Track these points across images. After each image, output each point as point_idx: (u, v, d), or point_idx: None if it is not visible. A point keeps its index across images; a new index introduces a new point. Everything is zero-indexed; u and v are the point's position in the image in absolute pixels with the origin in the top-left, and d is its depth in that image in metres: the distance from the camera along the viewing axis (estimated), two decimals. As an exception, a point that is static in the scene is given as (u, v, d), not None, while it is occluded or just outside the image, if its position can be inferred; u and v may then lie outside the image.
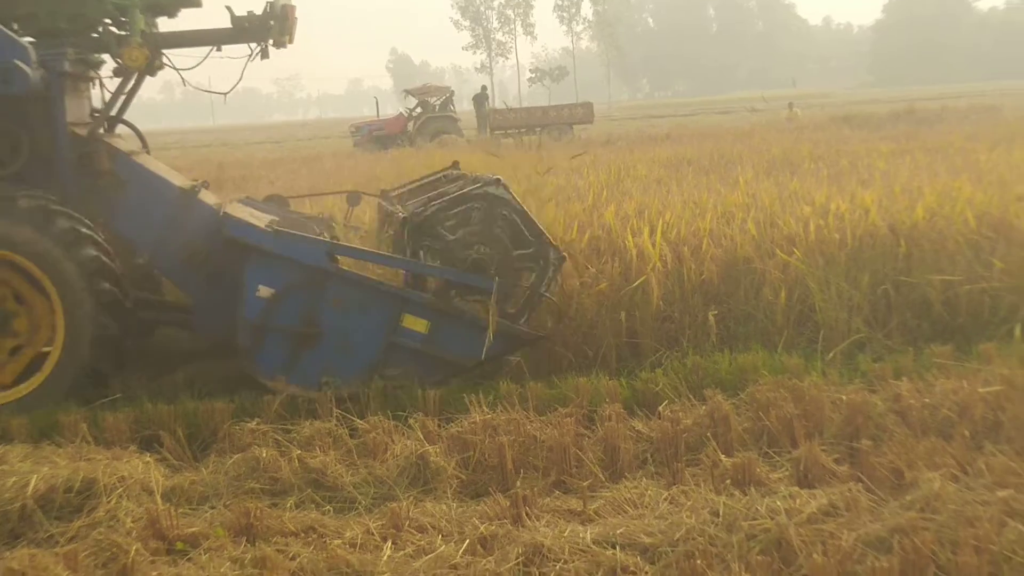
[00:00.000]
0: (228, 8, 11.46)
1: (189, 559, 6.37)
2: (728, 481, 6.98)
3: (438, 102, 55.33)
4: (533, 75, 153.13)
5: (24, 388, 9.80)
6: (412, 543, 6.40)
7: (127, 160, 10.97)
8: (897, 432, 7.57)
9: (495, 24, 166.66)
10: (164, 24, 11.73)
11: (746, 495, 6.61)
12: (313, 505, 7.26)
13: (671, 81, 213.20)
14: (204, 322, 11.00)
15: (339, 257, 9.87)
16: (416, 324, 9.63)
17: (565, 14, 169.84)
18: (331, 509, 7.22)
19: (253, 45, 11.47)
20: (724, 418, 7.97)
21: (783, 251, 11.10)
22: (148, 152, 11.79)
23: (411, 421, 8.50)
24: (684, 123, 50.95)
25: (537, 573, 5.83)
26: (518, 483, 7.27)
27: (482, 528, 6.46)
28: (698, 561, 5.61)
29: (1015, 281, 10.40)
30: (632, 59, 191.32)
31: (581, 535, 6.19)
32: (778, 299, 10.62)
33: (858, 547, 5.77)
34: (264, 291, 9.58)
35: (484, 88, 62.52)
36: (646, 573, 5.76)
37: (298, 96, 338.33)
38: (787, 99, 53.46)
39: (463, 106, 79.55)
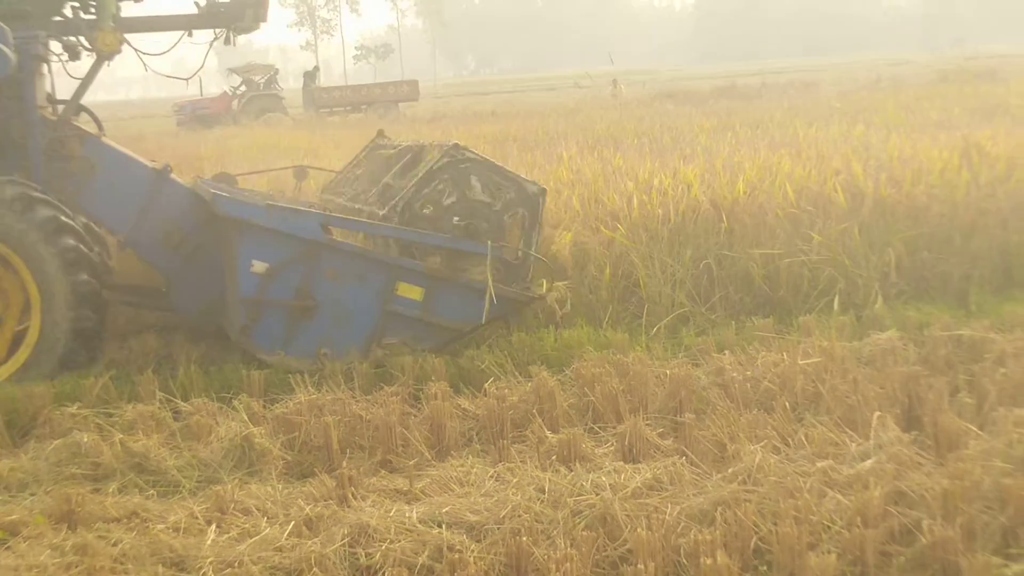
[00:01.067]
0: None
1: (8, 547, 6.19)
2: (554, 457, 7.02)
3: (262, 80, 54.86)
4: (358, 53, 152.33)
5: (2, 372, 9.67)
6: (237, 526, 6.30)
7: (97, 143, 11.04)
8: (720, 405, 7.70)
9: (320, 1, 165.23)
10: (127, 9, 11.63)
11: (572, 471, 6.66)
12: (136, 490, 7.09)
13: (497, 58, 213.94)
14: (183, 301, 11.08)
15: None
16: (411, 292, 9.74)
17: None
18: (155, 493, 7.06)
19: (220, 30, 11.69)
20: (550, 394, 8.01)
21: (607, 227, 11.21)
22: (104, 134, 11.57)
23: (235, 403, 8.37)
24: (510, 100, 51.21)
25: (363, 554, 5.79)
26: (344, 463, 7.19)
27: (307, 509, 6.40)
28: (524, 538, 5.64)
29: (833, 254, 10.68)
30: (457, 36, 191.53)
31: (407, 514, 6.16)
32: (602, 275, 10.74)
33: (682, 520, 5.85)
34: (259, 266, 9.57)
35: (316, 67, 62.12)
36: (472, 551, 5.76)
37: (120, 75, 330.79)
38: (611, 76, 54.01)
39: (290, 84, 78.82)
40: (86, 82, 11.24)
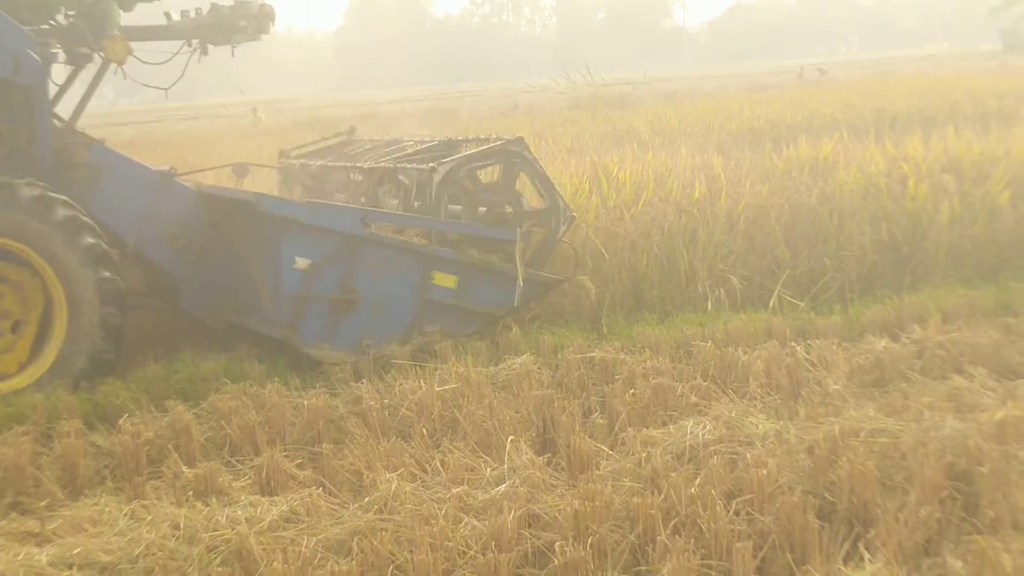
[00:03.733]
0: (213, 2, 11.71)
1: None
2: (191, 493, 6.93)
3: None
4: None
5: (28, 376, 9.61)
6: None
7: (103, 149, 11.06)
8: (358, 434, 7.75)
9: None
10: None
11: (208, 506, 6.59)
12: None
13: (135, 89, 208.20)
14: (195, 301, 11.14)
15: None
16: (446, 280, 10.23)
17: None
18: None
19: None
20: (186, 428, 7.91)
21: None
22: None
23: None
24: (150, 129, 49.97)
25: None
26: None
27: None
28: (157, 577, 5.57)
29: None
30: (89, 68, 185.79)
31: (37, 557, 5.95)
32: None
33: (319, 551, 5.87)
34: (301, 263, 9.85)
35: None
36: (102, 593, 5.65)
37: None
38: (250, 105, 53.51)
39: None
40: (90, 89, 11.32)
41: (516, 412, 7.93)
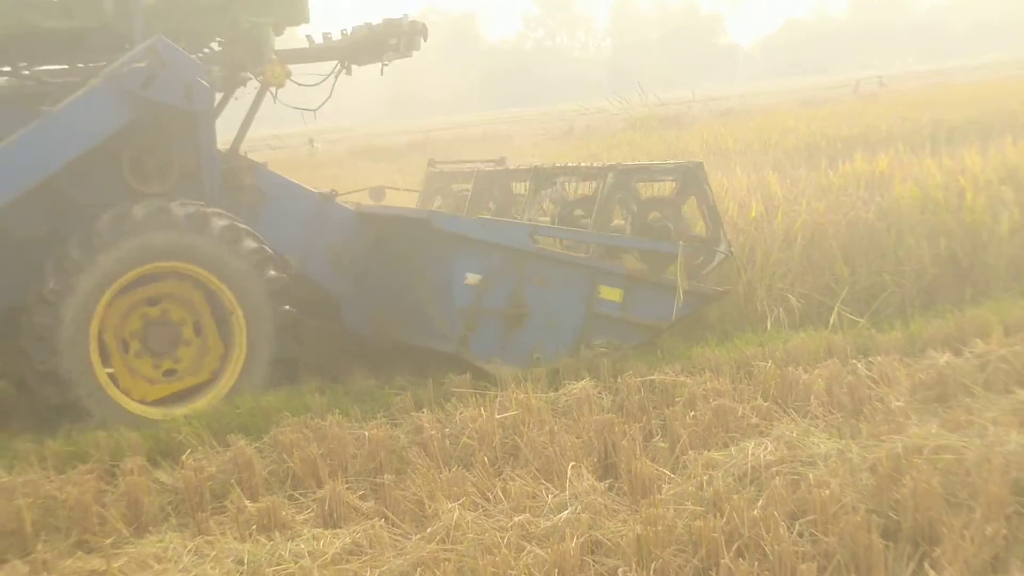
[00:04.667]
0: (365, 22, 12.11)
1: None
2: (254, 527, 6.93)
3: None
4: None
5: (222, 388, 10.13)
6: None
7: (265, 172, 11.48)
8: (420, 464, 7.76)
9: None
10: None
11: (271, 540, 6.61)
12: None
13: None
14: (354, 319, 11.43)
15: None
16: (611, 294, 10.54)
17: None
18: None
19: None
20: (248, 462, 7.93)
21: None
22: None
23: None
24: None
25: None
26: (38, 547, 6.99)
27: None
28: (222, 613, 5.60)
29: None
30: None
31: (103, 596, 6.04)
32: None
33: (381, 583, 5.92)
34: (472, 278, 10.20)
35: None
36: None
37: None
38: (305, 136, 53.63)
39: None
40: (251, 114, 11.74)
41: (577, 437, 7.91)
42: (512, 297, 10.31)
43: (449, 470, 7.56)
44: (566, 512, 6.48)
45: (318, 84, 11.88)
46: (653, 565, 5.75)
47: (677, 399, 8.70)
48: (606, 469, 7.59)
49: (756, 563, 5.65)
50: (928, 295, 11.74)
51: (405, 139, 46.19)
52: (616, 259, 10.87)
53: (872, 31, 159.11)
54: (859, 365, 9.10)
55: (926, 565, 5.64)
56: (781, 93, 61.01)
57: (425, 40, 12.05)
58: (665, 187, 11.76)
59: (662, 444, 7.77)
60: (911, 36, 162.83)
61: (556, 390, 9.19)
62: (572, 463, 7.31)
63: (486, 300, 10.24)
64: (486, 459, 7.66)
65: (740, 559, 5.69)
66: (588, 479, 7.02)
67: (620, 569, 5.75)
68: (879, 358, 9.25)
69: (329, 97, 11.94)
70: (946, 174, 13.71)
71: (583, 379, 9.25)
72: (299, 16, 11.47)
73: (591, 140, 32.48)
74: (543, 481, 7.21)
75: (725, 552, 5.76)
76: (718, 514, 6.20)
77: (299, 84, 11.52)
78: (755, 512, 6.07)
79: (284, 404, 9.44)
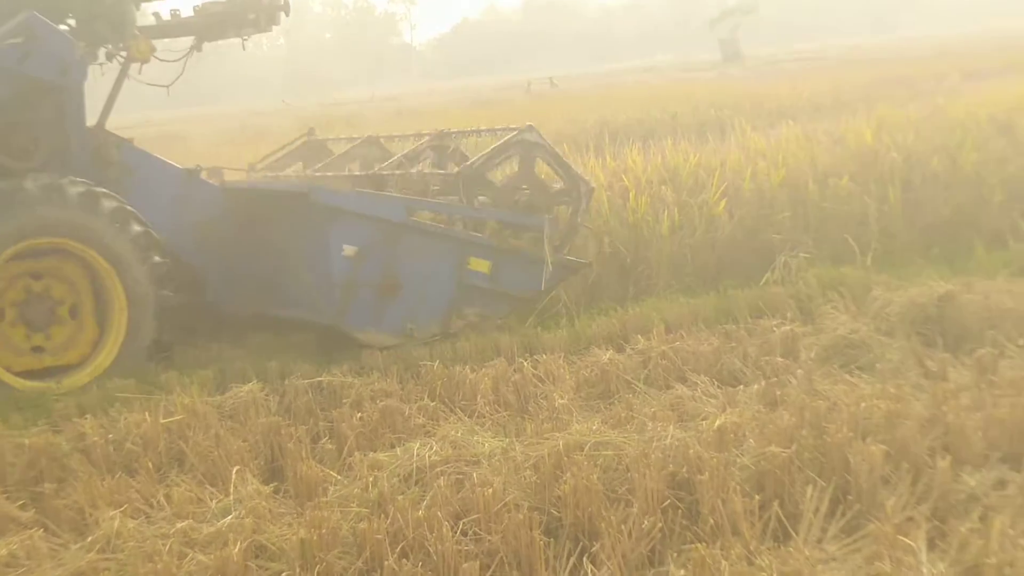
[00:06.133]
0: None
1: None
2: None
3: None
4: None
5: (96, 368, 10.14)
6: None
7: (132, 148, 11.52)
8: (82, 472, 7.52)
9: None
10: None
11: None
12: None
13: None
14: (224, 294, 11.45)
15: None
16: (480, 265, 10.87)
17: None
18: None
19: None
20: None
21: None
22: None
23: None
24: None
25: None
26: None
27: None
28: None
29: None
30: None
31: None
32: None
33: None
34: (349, 250, 10.37)
35: None
36: None
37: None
38: None
39: None
40: (115, 90, 11.74)
41: (243, 441, 7.86)
42: (387, 268, 10.56)
43: (112, 477, 7.37)
44: (230, 517, 6.40)
45: (178, 60, 12.13)
46: (317, 568, 5.74)
47: (344, 400, 8.75)
48: (272, 472, 7.57)
49: (420, 563, 5.71)
50: (593, 293, 12.07)
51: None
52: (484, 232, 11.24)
53: (543, 33, 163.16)
54: (525, 364, 9.30)
55: (585, 560, 5.79)
56: (456, 92, 61.70)
57: (287, 15, 12.49)
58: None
59: (329, 446, 7.79)
60: (582, 39, 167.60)
61: (223, 393, 9.07)
62: (237, 467, 7.23)
63: (362, 272, 10.46)
64: (151, 465, 7.51)
65: (404, 560, 5.74)
66: (253, 483, 6.96)
67: (284, 573, 5.74)
68: (545, 356, 9.48)
69: (181, 74, 12.17)
70: (610, 174, 14.14)
71: (250, 382, 9.17)
72: None
73: (263, 141, 32.08)
74: (208, 486, 7.11)
75: (389, 553, 5.81)
76: (383, 515, 6.25)
77: (160, 60, 11.80)
78: (419, 513, 6.13)
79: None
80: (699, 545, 5.63)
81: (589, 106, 31.05)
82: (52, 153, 10.71)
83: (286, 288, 11.21)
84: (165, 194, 11.33)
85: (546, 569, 5.74)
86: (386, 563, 5.68)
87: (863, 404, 7.34)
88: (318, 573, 5.71)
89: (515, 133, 11.37)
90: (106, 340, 10.24)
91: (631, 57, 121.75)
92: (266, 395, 8.94)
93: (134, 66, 11.50)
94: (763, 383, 8.31)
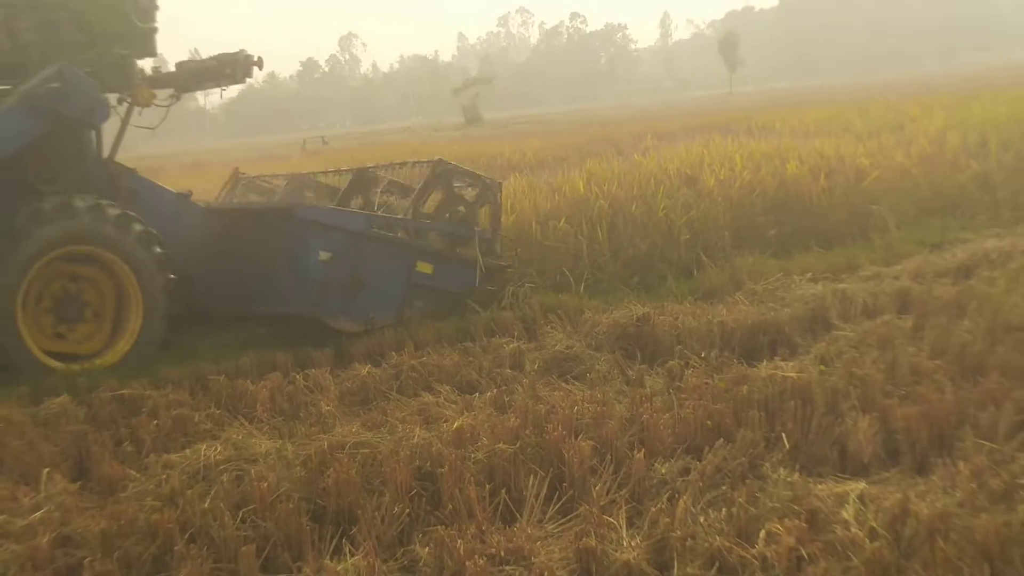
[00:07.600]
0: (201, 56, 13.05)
1: None
2: None
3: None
4: None
5: (105, 361, 10.37)
6: None
7: (136, 176, 11.85)
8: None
9: None
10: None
11: None
12: None
13: None
14: (211, 297, 11.66)
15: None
16: (425, 267, 11.60)
17: None
18: None
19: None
20: None
21: None
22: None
23: None
24: None
25: None
26: None
27: None
28: None
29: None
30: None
31: None
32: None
33: None
34: (324, 255, 10.90)
35: None
36: None
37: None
38: None
39: None
40: (123, 129, 11.94)
41: (55, 446, 7.69)
42: (353, 270, 11.04)
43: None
44: (40, 512, 6.26)
45: (170, 106, 12.35)
46: (116, 554, 5.69)
47: (143, 409, 8.61)
48: (80, 472, 7.40)
49: (205, 548, 5.70)
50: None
51: None
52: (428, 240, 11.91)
53: (319, 99, 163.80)
54: (298, 377, 9.29)
55: (345, 541, 5.85)
56: (244, 149, 60.96)
57: (260, 69, 12.83)
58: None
59: (130, 449, 7.67)
60: (350, 104, 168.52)
61: (37, 405, 8.82)
62: (48, 468, 7.05)
63: (334, 272, 10.92)
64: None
65: (192, 544, 5.75)
66: (62, 482, 6.81)
67: (87, 559, 5.64)
68: (314, 370, 9.48)
69: (164, 118, 12.27)
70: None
71: (61, 395, 8.93)
72: (149, 51, 12.07)
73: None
74: (22, 485, 6.92)
75: (179, 539, 5.81)
76: (174, 507, 6.22)
77: (157, 106, 11.99)
78: (205, 504, 6.14)
79: None
80: (440, 527, 5.78)
81: (354, 159, 30.99)
82: (74, 180, 10.98)
83: (269, 289, 11.37)
84: (163, 213, 11.54)
85: (313, 550, 5.78)
86: (176, 548, 5.69)
87: (576, 407, 7.56)
88: (117, 559, 5.64)
89: (432, 166, 12.27)
90: (118, 339, 10.59)
91: (392, 119, 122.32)
92: (76, 406, 8.73)
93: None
94: (495, 391, 8.48)
